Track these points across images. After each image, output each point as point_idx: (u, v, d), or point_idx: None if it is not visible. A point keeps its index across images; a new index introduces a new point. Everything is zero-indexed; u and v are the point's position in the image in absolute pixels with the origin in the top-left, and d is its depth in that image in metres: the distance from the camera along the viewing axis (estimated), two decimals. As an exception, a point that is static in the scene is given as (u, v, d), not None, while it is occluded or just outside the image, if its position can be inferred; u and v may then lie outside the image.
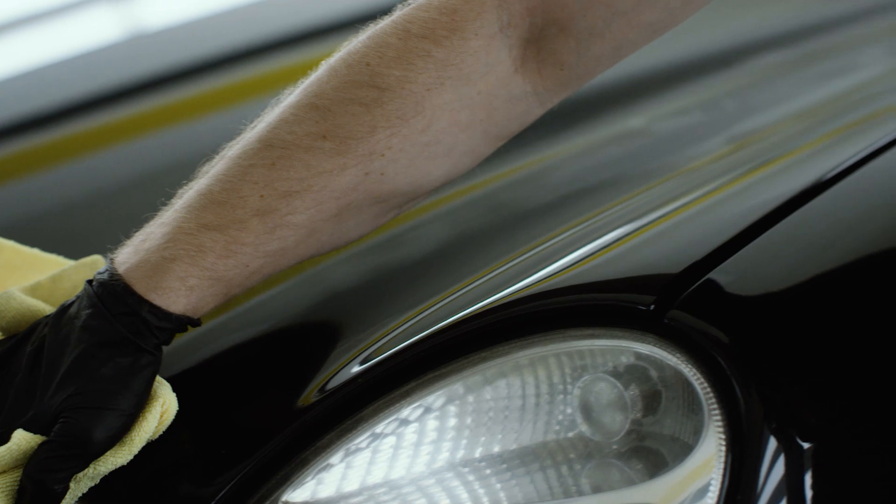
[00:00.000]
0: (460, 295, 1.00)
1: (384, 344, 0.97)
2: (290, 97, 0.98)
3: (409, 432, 0.94)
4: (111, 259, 0.96)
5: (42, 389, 0.93)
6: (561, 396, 0.94)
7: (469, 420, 0.94)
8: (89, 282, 0.96)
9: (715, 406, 0.89)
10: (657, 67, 1.43)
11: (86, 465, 0.91)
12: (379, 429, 0.93)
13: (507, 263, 1.02)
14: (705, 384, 0.90)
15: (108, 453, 0.92)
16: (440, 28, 0.96)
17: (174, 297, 0.93)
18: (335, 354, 0.98)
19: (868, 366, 0.95)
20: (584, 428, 0.93)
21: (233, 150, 0.98)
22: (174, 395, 0.95)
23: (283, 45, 1.71)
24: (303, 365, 0.99)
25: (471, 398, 0.94)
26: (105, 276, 0.94)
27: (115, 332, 0.93)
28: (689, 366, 0.90)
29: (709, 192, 1.07)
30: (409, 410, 0.94)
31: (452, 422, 0.94)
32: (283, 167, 0.95)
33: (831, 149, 1.15)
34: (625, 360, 0.92)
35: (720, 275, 0.95)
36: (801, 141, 1.18)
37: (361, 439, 0.93)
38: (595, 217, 1.07)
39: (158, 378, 0.95)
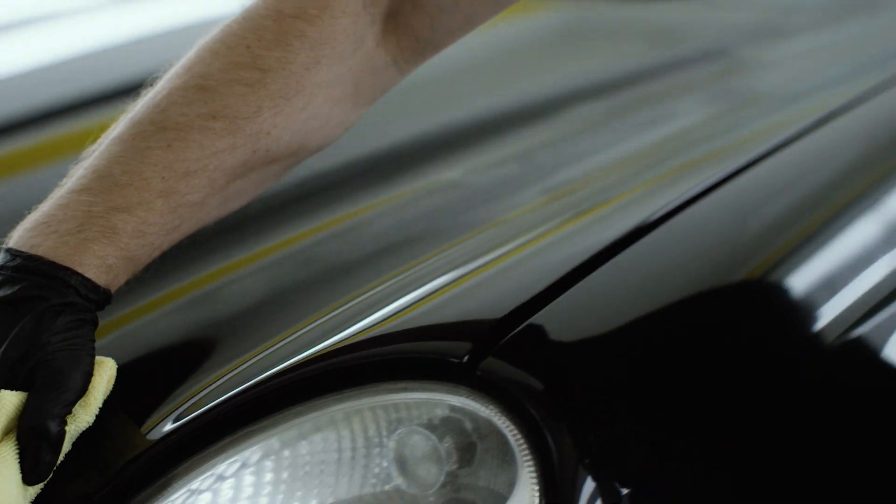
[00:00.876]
0: (276, 349, 0.99)
1: (198, 400, 0.96)
2: (175, 80, 1.02)
3: (226, 488, 0.93)
4: (8, 248, 0.97)
5: (3, 360, 0.94)
6: (377, 449, 0.94)
7: (285, 475, 0.93)
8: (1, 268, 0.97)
9: (528, 456, 0.90)
10: (472, 119, 1.45)
11: (72, 406, 0.93)
12: (195, 485, 0.92)
13: (322, 317, 1.02)
14: (518, 434, 0.90)
15: (77, 410, 0.94)
16: (311, 8, 1.02)
17: (97, 274, 0.96)
18: (148, 412, 0.97)
19: (684, 410, 0.97)
20: (399, 481, 0.93)
21: (122, 132, 1.01)
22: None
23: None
24: (113, 425, 0.97)
25: (287, 453, 0.94)
26: (18, 261, 0.96)
27: (57, 295, 0.95)
28: (502, 416, 0.91)
29: (524, 244, 1.09)
30: (226, 466, 0.93)
31: (269, 477, 0.93)
32: (180, 148, 0.99)
33: (650, 196, 1.17)
34: (439, 412, 0.93)
35: (535, 323, 0.96)
36: (618, 190, 1.21)
37: (177, 496, 0.92)
38: (409, 270, 1.08)
39: None
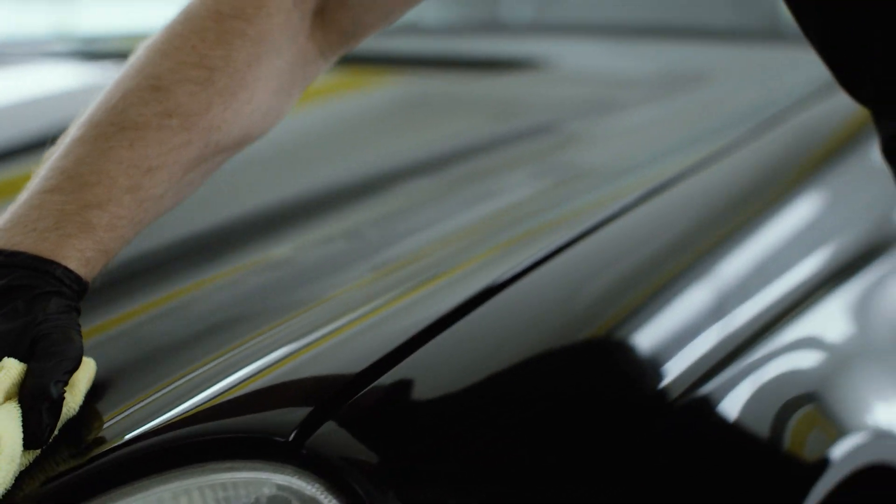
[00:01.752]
0: (102, 431, 0.98)
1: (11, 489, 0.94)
2: (128, 81, 1.08)
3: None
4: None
5: (3, 334, 0.98)
6: (206, 530, 0.92)
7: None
8: None
9: (352, 533, 0.90)
10: (303, 196, 1.45)
11: (70, 375, 0.98)
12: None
13: (149, 397, 1.01)
14: (343, 511, 0.90)
15: (66, 394, 0.98)
16: (248, 7, 1.10)
17: (77, 266, 1.02)
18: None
19: (522, 479, 0.98)
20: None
21: (83, 134, 1.07)
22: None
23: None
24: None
25: (114, 536, 0.92)
26: (1, 258, 1.01)
27: (45, 284, 1.00)
28: (327, 494, 0.90)
29: (352, 320, 1.09)
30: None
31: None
32: (141, 146, 1.06)
33: (481, 270, 1.18)
34: (266, 491, 0.92)
35: (363, 398, 0.96)
36: (449, 264, 1.21)
37: None
38: (238, 348, 1.07)
39: None
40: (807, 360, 1.31)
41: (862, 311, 1.45)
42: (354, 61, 1.56)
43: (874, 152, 1.70)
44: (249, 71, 1.10)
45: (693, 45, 2.14)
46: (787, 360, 1.27)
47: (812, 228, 1.49)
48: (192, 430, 0.95)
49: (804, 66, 1.98)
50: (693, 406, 1.14)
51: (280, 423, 0.94)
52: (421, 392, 1.01)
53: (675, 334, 1.19)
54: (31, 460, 0.96)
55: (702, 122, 1.74)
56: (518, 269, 1.16)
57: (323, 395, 0.96)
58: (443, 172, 1.52)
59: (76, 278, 1.02)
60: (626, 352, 1.15)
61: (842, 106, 1.80)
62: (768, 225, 1.42)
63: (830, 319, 1.38)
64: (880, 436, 1.31)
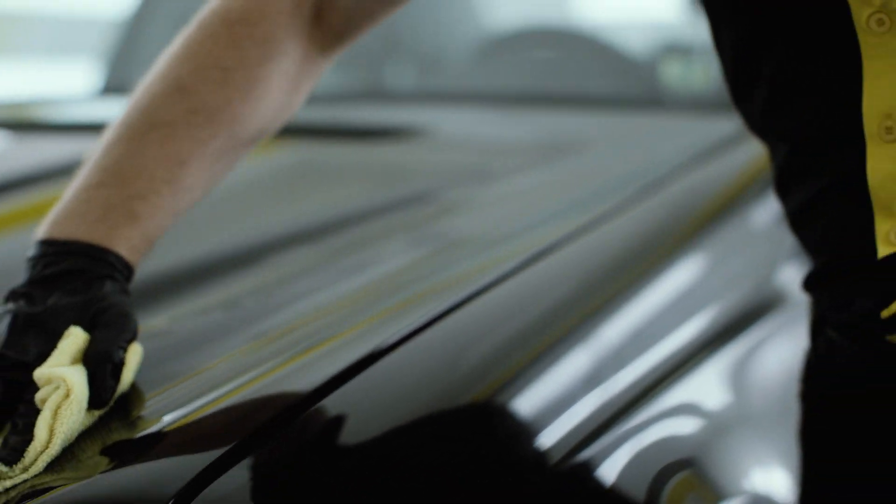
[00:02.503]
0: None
1: None
2: (153, 86, 1.20)
3: None
4: (42, 240, 1.12)
5: (66, 307, 1.08)
6: None
7: None
8: (38, 256, 1.11)
9: None
10: (179, 266, 1.43)
11: (129, 345, 1.09)
12: None
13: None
14: None
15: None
16: (253, 14, 1.22)
17: (126, 253, 1.13)
18: None
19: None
20: None
21: (119, 134, 1.18)
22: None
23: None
24: None
25: None
26: (56, 247, 1.11)
27: (100, 268, 1.11)
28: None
29: (232, 390, 1.07)
30: None
31: None
32: (172, 141, 1.17)
33: (361, 337, 1.18)
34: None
35: (241, 469, 0.95)
36: (327, 333, 1.21)
37: None
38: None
39: None
40: (685, 425, 1.32)
41: (740, 376, 1.47)
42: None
43: (753, 217, 1.73)
44: (260, 69, 1.22)
45: (572, 113, 2.17)
46: (665, 425, 1.28)
47: (691, 293, 1.51)
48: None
49: (683, 132, 2.02)
50: (572, 471, 1.15)
51: (157, 495, 0.92)
52: (302, 460, 1.00)
53: (555, 400, 1.19)
54: (91, 423, 1.04)
55: (581, 189, 1.76)
56: (397, 336, 1.16)
57: (201, 465, 0.95)
58: (323, 241, 1.51)
59: (125, 264, 1.13)
60: (505, 417, 1.15)
61: (720, 171, 1.84)
62: (648, 290, 1.43)
63: (709, 385, 1.40)
64: (757, 502, 1.32)
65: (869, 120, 1.09)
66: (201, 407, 1.05)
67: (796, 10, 1.12)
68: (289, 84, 1.25)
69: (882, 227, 1.11)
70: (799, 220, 1.21)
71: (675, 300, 1.47)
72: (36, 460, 0.98)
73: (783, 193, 1.22)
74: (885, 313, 1.12)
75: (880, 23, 1.07)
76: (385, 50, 2.73)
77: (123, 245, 1.13)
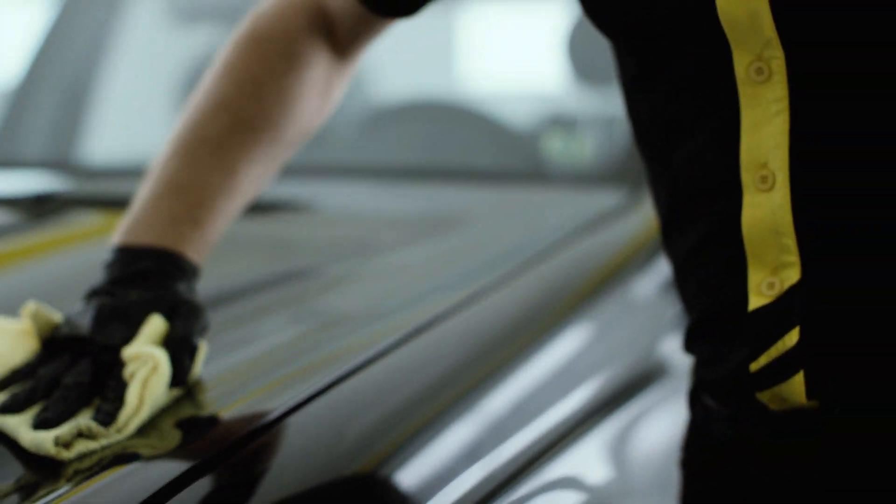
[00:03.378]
0: None
1: None
2: (201, 105, 1.32)
3: None
4: (117, 247, 1.25)
5: (148, 300, 1.21)
6: None
7: None
8: (114, 261, 1.24)
9: None
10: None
11: (203, 335, 1.22)
12: None
13: None
14: None
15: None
16: (277, 32, 1.35)
17: (192, 256, 1.26)
18: None
19: None
20: None
21: (175, 150, 1.30)
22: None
23: None
24: None
25: None
26: (132, 252, 1.23)
27: (173, 270, 1.23)
28: None
29: (114, 466, 1.06)
30: None
31: None
32: (221, 152, 1.29)
33: (243, 413, 1.17)
34: None
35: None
36: (214, 407, 1.21)
37: None
38: None
39: None
40: (567, 498, 1.33)
41: (622, 448, 1.48)
42: (116, 205, 1.54)
43: (636, 288, 1.75)
44: (288, 79, 1.33)
45: (457, 187, 2.18)
46: (547, 498, 1.29)
47: (574, 366, 1.52)
48: None
49: (566, 205, 2.04)
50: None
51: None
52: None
53: (439, 472, 1.19)
54: (169, 402, 1.17)
55: (466, 262, 1.76)
56: (281, 410, 1.16)
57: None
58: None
59: (193, 267, 1.26)
60: (389, 490, 1.15)
61: (604, 244, 1.86)
62: (531, 363, 1.44)
63: (591, 457, 1.40)
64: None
65: (745, 169, 1.11)
66: (78, 486, 1.03)
67: (682, 55, 1.14)
68: (318, 89, 1.37)
69: (755, 277, 1.12)
70: (680, 273, 1.23)
71: (558, 372, 1.48)
72: (128, 423, 1.12)
73: (668, 245, 1.24)
74: (753, 366, 1.13)
75: (759, 72, 1.09)
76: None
77: (190, 249, 1.25)
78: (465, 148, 2.36)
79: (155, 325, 1.19)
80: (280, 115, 1.33)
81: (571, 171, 2.31)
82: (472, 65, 2.89)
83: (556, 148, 2.29)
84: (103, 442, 1.09)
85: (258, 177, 1.33)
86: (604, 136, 2.45)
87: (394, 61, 3.11)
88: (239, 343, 1.42)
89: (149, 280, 1.22)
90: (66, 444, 1.08)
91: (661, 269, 1.61)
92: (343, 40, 1.38)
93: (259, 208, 2.01)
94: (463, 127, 2.41)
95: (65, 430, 1.08)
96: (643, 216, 1.84)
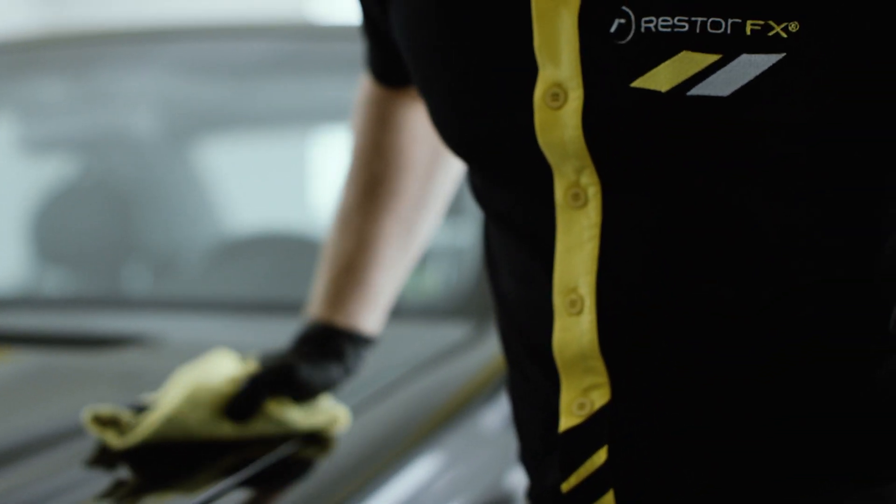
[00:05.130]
0: None
1: None
2: (348, 189, 1.49)
3: None
4: (309, 322, 1.48)
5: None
6: None
7: None
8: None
9: None
10: None
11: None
12: None
13: None
14: None
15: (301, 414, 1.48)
16: (371, 107, 1.49)
17: (367, 327, 1.48)
18: None
19: None
20: None
21: (333, 233, 1.49)
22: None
23: None
24: None
25: None
26: (317, 328, 1.47)
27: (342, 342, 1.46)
28: None
29: None
30: None
31: None
32: (373, 230, 1.47)
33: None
34: None
35: None
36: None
37: None
38: None
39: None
40: None
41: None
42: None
43: (482, 422, 1.77)
44: (390, 136, 1.46)
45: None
46: None
47: (421, 498, 1.53)
48: None
49: (413, 339, 2.06)
50: None
51: None
52: None
53: None
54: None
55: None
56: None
57: None
58: (55, 451, 1.49)
59: (365, 340, 1.47)
60: None
61: (451, 377, 1.88)
62: (378, 496, 1.45)
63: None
64: None
65: (557, 293, 1.14)
66: None
67: (510, 178, 1.18)
68: (422, 136, 1.46)
69: (566, 398, 1.15)
70: (510, 394, 1.26)
71: (409, 500, 1.49)
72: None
73: (507, 367, 1.27)
74: (564, 486, 1.16)
75: (576, 197, 1.12)
76: (120, 253, 2.73)
77: (363, 320, 1.46)
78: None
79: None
80: (413, 183, 1.46)
81: (418, 305, 2.33)
82: (326, 197, 2.91)
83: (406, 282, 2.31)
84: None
85: (405, 244, 1.47)
86: (451, 270, 2.48)
87: (246, 193, 3.13)
88: (90, 478, 1.41)
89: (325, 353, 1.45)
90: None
91: (508, 402, 1.64)
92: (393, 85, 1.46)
93: (106, 342, 2.01)
94: (313, 260, 2.43)
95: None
96: (490, 349, 1.87)
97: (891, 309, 1.12)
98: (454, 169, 1.50)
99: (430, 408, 1.76)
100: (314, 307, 1.48)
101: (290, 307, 2.20)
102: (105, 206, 2.75)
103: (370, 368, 1.87)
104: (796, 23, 1.04)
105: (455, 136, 1.21)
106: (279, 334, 2.11)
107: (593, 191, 1.12)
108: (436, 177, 1.49)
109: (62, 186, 2.86)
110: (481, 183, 1.24)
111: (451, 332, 2.05)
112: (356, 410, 1.59)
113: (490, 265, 1.27)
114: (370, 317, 1.48)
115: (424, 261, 2.54)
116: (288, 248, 2.52)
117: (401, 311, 2.26)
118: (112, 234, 2.73)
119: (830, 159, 1.08)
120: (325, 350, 1.45)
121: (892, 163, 1.10)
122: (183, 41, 2.80)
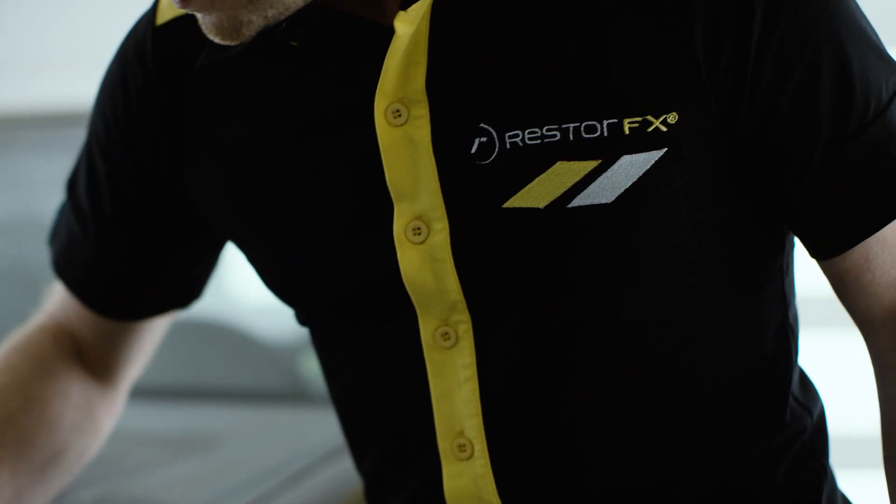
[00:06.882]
0: None
1: None
2: None
3: None
4: None
5: None
6: None
7: None
8: None
9: None
10: None
11: None
12: None
13: None
14: None
15: None
16: (29, 345, 1.26)
17: None
18: None
19: None
20: None
21: None
22: None
23: None
24: None
25: None
26: None
27: None
28: None
29: None
30: None
31: None
32: None
33: None
34: None
35: None
36: None
37: None
38: None
39: None
40: None
41: None
42: None
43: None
44: (39, 386, 1.20)
45: (213, 406, 2.18)
46: None
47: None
48: None
49: (324, 425, 2.05)
50: None
51: None
52: None
53: None
54: None
55: (221, 483, 1.75)
56: None
57: None
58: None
59: None
60: None
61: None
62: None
63: None
64: None
65: (442, 438, 1.07)
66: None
67: (371, 326, 1.10)
68: (75, 405, 1.23)
69: None
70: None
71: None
72: None
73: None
74: None
75: (446, 337, 1.05)
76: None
77: None
78: (224, 366, 2.36)
79: None
80: (27, 420, 1.19)
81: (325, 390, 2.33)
82: (236, 279, 2.90)
83: (313, 367, 2.30)
84: None
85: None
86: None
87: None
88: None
89: None
90: None
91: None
92: (95, 359, 1.27)
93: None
94: (221, 345, 2.41)
95: None
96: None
97: (787, 398, 1.12)
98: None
99: (340, 496, 1.75)
100: None
101: (196, 393, 2.19)
102: (17, 289, 2.72)
103: (280, 456, 1.87)
104: (675, 113, 0.99)
105: (316, 293, 1.11)
106: (186, 420, 2.10)
107: (464, 328, 1.04)
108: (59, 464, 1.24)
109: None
110: (331, 334, 1.14)
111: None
112: (265, 499, 1.58)
113: (345, 423, 1.19)
114: None
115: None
116: (195, 332, 2.49)
117: (310, 397, 2.26)
118: (24, 318, 2.69)
119: (716, 255, 1.04)
120: None
121: (776, 251, 1.09)
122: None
